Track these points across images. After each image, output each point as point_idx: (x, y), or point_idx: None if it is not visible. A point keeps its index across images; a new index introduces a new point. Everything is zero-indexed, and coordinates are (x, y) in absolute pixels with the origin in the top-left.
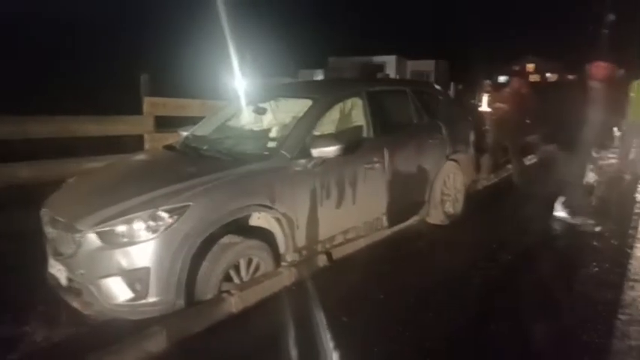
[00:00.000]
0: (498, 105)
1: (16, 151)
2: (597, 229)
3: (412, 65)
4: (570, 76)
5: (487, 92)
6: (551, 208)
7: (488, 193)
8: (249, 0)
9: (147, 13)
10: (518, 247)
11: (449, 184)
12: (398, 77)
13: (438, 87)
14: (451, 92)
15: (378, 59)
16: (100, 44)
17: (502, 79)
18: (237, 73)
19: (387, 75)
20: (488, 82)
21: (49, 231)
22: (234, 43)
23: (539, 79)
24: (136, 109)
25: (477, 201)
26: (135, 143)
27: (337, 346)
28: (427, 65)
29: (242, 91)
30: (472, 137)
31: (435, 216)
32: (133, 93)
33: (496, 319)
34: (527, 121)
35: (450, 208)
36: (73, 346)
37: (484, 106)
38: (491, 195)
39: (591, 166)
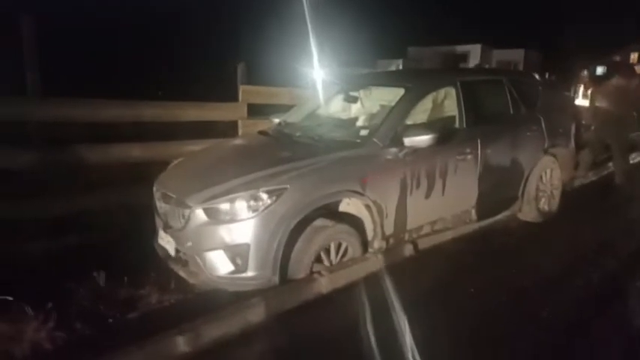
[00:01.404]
0: (602, 99)
1: (125, 133)
2: None
3: (498, 55)
4: None
5: (584, 84)
6: None
7: (587, 192)
8: None
9: (233, 5)
10: (619, 251)
11: (545, 180)
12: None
13: (537, 77)
14: None
15: (461, 48)
16: (197, 35)
17: (600, 70)
18: (315, 63)
19: (480, 65)
20: (585, 73)
21: (161, 205)
22: (314, 34)
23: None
24: (228, 97)
25: (575, 199)
26: (228, 129)
27: (420, 334)
28: (515, 55)
29: (320, 80)
30: (573, 131)
31: (528, 212)
32: (223, 81)
33: (590, 327)
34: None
35: (544, 205)
36: (182, 309)
37: (580, 99)
38: (590, 194)
39: None
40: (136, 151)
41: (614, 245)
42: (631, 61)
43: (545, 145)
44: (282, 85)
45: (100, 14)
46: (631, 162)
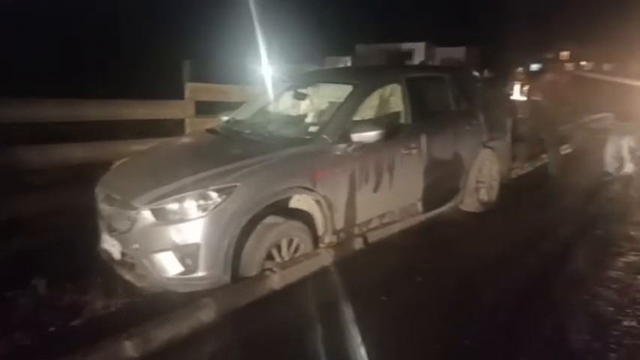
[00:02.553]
0: (537, 93)
1: (69, 133)
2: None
3: (442, 52)
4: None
5: (519, 80)
6: (587, 200)
7: (523, 183)
8: None
9: (180, 2)
10: (553, 236)
11: (484, 172)
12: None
13: (476, 74)
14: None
15: (406, 46)
16: (141, 32)
17: (534, 67)
18: (264, 59)
19: (424, 62)
20: (520, 69)
21: (104, 208)
22: (262, 31)
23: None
24: (175, 95)
25: (512, 190)
26: (175, 128)
27: (375, 323)
28: (457, 52)
29: (269, 77)
30: (509, 125)
31: (470, 203)
32: (169, 78)
33: (529, 303)
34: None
35: (484, 196)
36: (129, 314)
37: (516, 95)
38: (526, 184)
39: (629, 157)
40: (79, 152)
41: (549, 231)
42: (562, 58)
43: (484, 139)
44: (232, 82)
45: (40, 10)
46: (562, 153)
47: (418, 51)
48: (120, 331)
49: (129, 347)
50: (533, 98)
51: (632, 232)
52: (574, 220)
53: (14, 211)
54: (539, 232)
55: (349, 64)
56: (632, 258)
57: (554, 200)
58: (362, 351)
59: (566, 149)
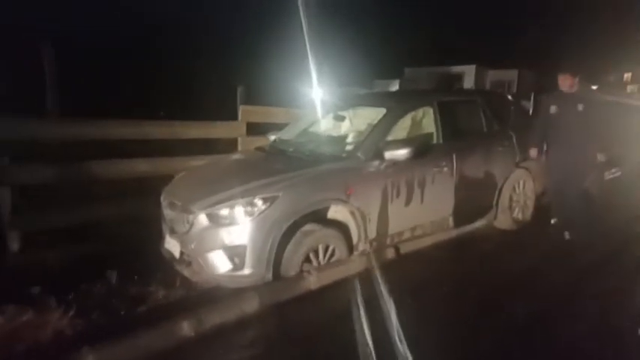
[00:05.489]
0: None
1: (132, 150)
2: None
3: (493, 75)
4: None
5: None
6: (629, 223)
7: None
8: (329, 13)
9: (233, 29)
10: (588, 256)
11: (518, 191)
12: (474, 88)
13: (509, 97)
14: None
15: (456, 69)
16: (200, 59)
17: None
18: (315, 83)
19: (461, 86)
20: None
21: (168, 213)
22: (313, 55)
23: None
24: (229, 117)
25: (549, 209)
26: (228, 146)
27: (402, 325)
28: (509, 75)
29: (319, 100)
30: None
31: (503, 221)
32: (225, 102)
33: (549, 315)
34: None
35: (518, 215)
36: (185, 303)
37: None
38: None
39: None
40: (143, 166)
41: (580, 251)
42: (624, 80)
43: (517, 159)
44: (283, 104)
45: (105, 39)
46: (608, 177)
47: (468, 74)
48: (178, 315)
49: (185, 327)
50: None
51: None
52: (609, 242)
53: (86, 218)
54: (569, 252)
55: (396, 87)
56: None
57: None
58: (385, 346)
59: (615, 172)
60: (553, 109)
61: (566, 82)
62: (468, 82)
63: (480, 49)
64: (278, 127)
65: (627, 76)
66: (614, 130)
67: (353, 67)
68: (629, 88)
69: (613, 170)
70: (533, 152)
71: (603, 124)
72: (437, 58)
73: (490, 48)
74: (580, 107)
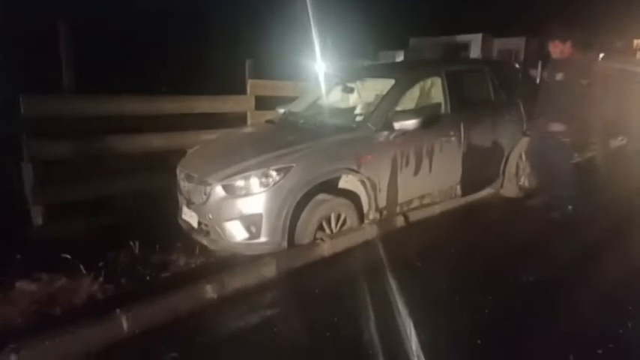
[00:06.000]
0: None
1: (145, 125)
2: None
3: (499, 44)
4: None
5: None
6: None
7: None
8: None
9: (240, 5)
10: (595, 223)
11: (525, 159)
12: (480, 57)
13: (517, 65)
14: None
15: (462, 38)
16: (207, 34)
17: (602, 56)
18: (318, 56)
19: (467, 55)
20: None
21: (184, 185)
22: (317, 28)
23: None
24: (238, 91)
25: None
26: (238, 120)
27: (409, 285)
28: (516, 43)
29: (325, 72)
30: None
31: (510, 189)
32: (233, 76)
33: (547, 283)
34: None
35: (525, 182)
36: (206, 269)
37: None
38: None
39: None
40: (157, 141)
41: (588, 217)
42: (635, 46)
43: (524, 128)
44: (288, 78)
45: (115, 16)
46: (613, 146)
47: (475, 43)
48: (201, 280)
49: (209, 290)
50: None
51: None
52: (612, 212)
53: (106, 191)
54: (573, 220)
55: (402, 58)
56: None
57: (597, 190)
58: (395, 305)
59: (621, 140)
60: (559, 76)
61: (556, 49)
62: (475, 52)
63: (486, 17)
64: (286, 100)
65: (638, 42)
66: (619, 98)
67: (357, 39)
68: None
69: (620, 138)
70: (556, 126)
71: (602, 94)
72: (442, 28)
73: (496, 15)
74: (581, 80)
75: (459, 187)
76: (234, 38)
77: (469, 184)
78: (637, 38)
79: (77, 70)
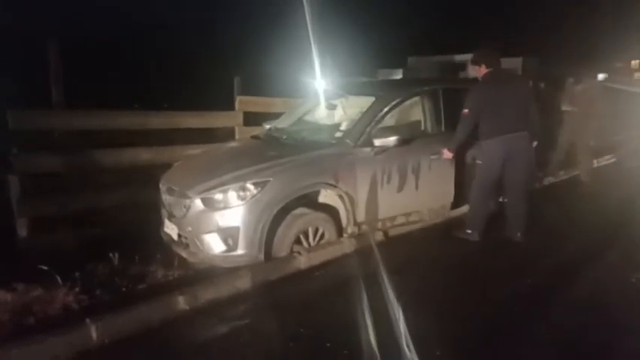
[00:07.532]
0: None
1: (133, 140)
2: None
3: None
4: None
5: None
6: (617, 207)
7: (553, 189)
8: (331, 3)
9: (234, 18)
10: (577, 237)
11: None
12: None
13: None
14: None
15: (459, 58)
16: (198, 48)
17: (601, 77)
18: (317, 73)
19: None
20: (571, 80)
21: (166, 198)
22: (316, 45)
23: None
24: (228, 107)
25: (543, 194)
26: (226, 135)
27: (385, 296)
28: (513, 63)
29: (321, 90)
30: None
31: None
32: (220, 91)
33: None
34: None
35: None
36: (183, 281)
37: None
38: (556, 191)
39: None
40: (145, 155)
41: (570, 234)
42: (632, 66)
43: None
44: (284, 94)
45: (106, 32)
46: (606, 162)
47: None
48: (175, 291)
49: (181, 301)
50: (564, 108)
51: None
52: (597, 224)
53: (91, 204)
54: (560, 234)
55: (400, 76)
56: None
57: (580, 206)
58: (365, 318)
59: (609, 159)
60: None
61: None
62: (473, 70)
63: (486, 36)
64: (276, 116)
65: (635, 62)
66: (614, 117)
67: (357, 57)
68: (637, 75)
69: (607, 157)
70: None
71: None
72: (442, 47)
73: (496, 35)
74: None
75: (450, 205)
76: (234, 55)
77: (461, 202)
78: (635, 59)
79: (74, 86)
